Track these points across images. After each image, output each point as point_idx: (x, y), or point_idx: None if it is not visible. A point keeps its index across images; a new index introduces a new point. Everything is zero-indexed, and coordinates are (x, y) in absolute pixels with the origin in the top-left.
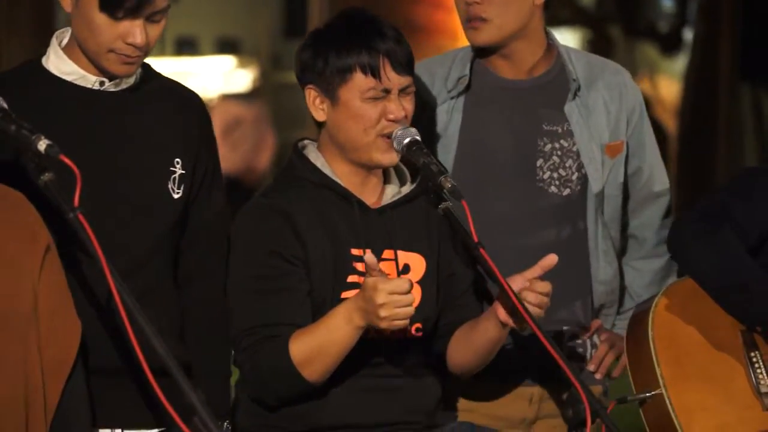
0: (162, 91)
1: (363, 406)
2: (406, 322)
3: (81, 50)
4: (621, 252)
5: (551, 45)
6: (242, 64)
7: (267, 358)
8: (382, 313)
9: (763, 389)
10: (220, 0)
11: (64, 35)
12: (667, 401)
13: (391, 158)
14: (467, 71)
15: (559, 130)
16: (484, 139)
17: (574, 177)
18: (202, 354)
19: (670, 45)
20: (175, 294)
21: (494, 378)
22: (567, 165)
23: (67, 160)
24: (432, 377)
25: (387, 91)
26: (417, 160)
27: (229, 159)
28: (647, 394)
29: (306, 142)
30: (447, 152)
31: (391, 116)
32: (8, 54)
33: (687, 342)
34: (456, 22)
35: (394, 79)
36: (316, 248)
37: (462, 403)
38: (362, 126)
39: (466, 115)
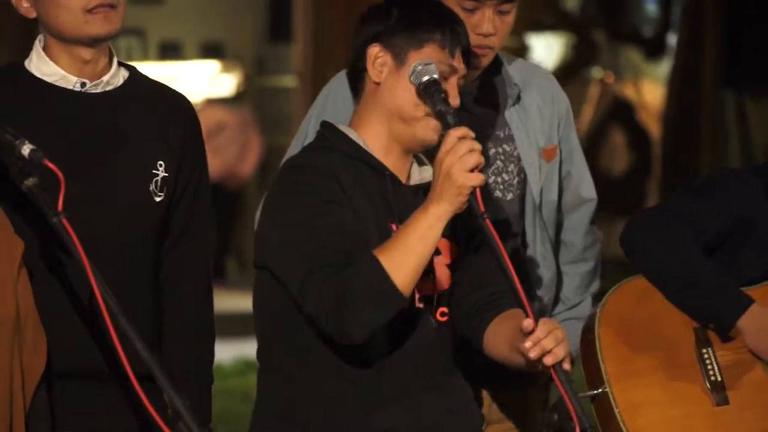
0: (147, 93)
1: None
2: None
3: (60, 40)
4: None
5: None
6: (226, 69)
7: (356, 274)
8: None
9: (714, 384)
10: (204, 4)
11: (43, 40)
12: (611, 397)
13: (434, 137)
14: None
15: (501, 135)
16: None
17: (515, 181)
18: (184, 358)
19: (654, 50)
20: (155, 298)
21: None
22: (509, 169)
23: (51, 165)
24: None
25: (453, 70)
26: (433, 104)
27: (211, 164)
28: (595, 392)
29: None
30: None
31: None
32: None
33: (636, 339)
34: None
35: (460, 66)
36: (359, 212)
37: None
38: (415, 99)
39: None
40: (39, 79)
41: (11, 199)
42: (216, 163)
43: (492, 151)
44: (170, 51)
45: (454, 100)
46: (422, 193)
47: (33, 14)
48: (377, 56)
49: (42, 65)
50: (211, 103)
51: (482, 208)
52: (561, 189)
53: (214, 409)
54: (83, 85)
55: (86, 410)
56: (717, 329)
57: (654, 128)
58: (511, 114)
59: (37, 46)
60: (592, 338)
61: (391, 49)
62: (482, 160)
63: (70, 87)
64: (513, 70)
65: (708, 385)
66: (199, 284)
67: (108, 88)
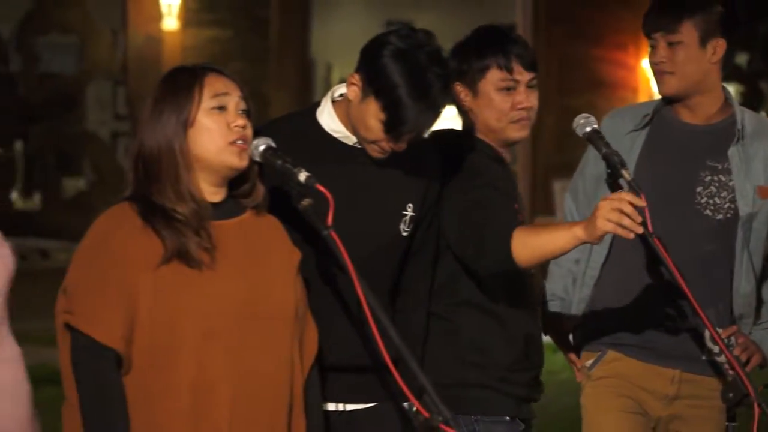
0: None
1: None
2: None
3: (348, 119)
4: (761, 277)
5: (727, 101)
6: None
7: (492, 228)
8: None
9: None
10: None
11: (336, 91)
12: None
13: (522, 135)
14: (651, 111)
15: (720, 167)
16: (657, 165)
17: (726, 206)
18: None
19: None
20: (392, 301)
21: (643, 354)
22: (722, 195)
23: (322, 189)
24: None
25: (516, 82)
26: (598, 148)
27: None
28: None
29: None
30: None
31: (520, 105)
32: (278, 104)
33: None
34: (636, 78)
35: (522, 76)
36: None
37: (614, 365)
38: (496, 114)
39: (646, 145)
40: (327, 132)
41: (289, 221)
42: None
43: (708, 178)
44: None
45: (526, 102)
46: None
47: (352, 97)
48: (460, 92)
49: (331, 122)
50: None
51: (650, 228)
52: None
53: None
54: (359, 143)
55: (349, 388)
56: None
57: None
58: (733, 152)
59: (329, 103)
60: None
61: (467, 85)
62: (626, 220)
63: (350, 143)
64: (745, 117)
65: None
66: (421, 294)
67: None
